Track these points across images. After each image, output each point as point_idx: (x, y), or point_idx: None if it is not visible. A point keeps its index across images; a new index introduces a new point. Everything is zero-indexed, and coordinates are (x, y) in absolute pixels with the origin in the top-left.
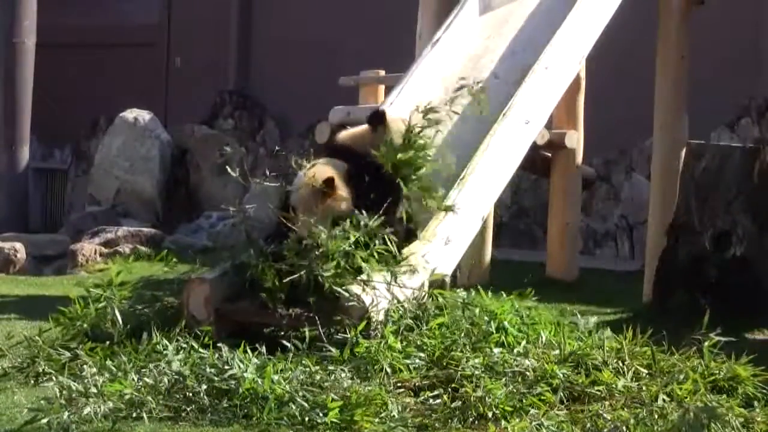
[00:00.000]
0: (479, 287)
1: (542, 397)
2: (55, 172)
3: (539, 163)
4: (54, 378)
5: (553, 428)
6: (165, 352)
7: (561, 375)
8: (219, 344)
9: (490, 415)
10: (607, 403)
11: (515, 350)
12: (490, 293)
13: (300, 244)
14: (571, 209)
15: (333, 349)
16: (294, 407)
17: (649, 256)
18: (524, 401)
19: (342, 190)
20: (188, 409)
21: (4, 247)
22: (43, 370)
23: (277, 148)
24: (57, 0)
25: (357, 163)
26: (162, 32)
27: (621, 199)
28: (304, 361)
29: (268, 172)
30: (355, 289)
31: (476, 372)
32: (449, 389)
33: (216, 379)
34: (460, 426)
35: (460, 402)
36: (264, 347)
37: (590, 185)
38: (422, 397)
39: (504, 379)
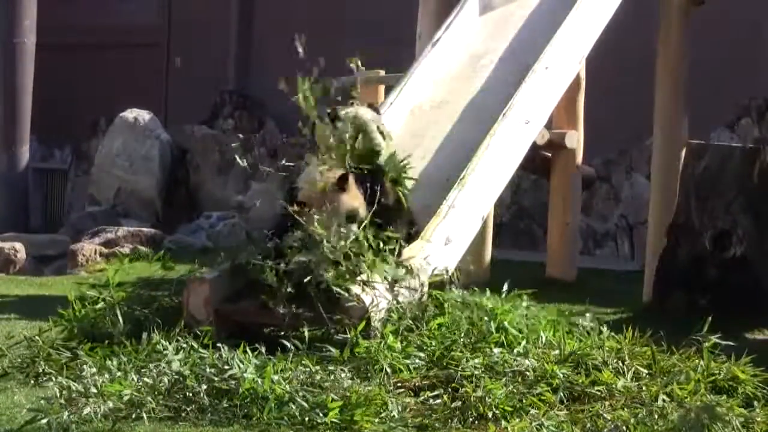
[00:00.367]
0: (479, 287)
1: (542, 397)
2: (55, 172)
3: (539, 163)
4: (54, 378)
5: (553, 428)
6: (165, 352)
7: (561, 375)
8: (219, 344)
9: (490, 415)
10: (607, 403)
11: (515, 350)
12: (490, 293)
13: (305, 239)
14: (571, 209)
15: (333, 349)
16: (294, 407)
17: (649, 256)
18: (524, 401)
19: (354, 189)
20: (188, 409)
21: (4, 247)
22: (43, 370)
23: (284, 139)
24: (57, 0)
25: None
26: (162, 32)
27: (621, 199)
28: (304, 361)
29: (278, 162)
30: (355, 289)
31: (476, 372)
32: (449, 389)
33: (216, 379)
34: (460, 426)
35: (460, 402)
36: (264, 347)
37: (590, 185)
38: (422, 397)
39: (504, 379)
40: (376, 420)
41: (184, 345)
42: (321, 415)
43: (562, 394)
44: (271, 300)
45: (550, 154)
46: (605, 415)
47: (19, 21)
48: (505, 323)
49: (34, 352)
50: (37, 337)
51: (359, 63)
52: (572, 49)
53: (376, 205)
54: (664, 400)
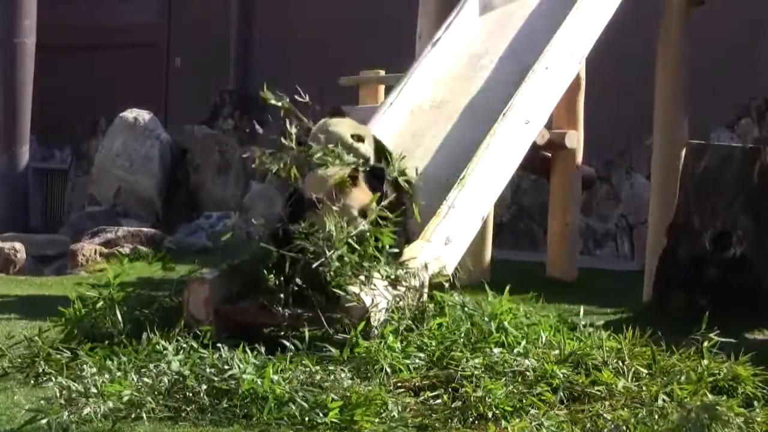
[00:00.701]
0: (479, 287)
1: (542, 397)
2: (55, 172)
3: (539, 163)
4: (54, 378)
5: (553, 428)
6: (165, 352)
7: (561, 375)
8: (219, 344)
9: (490, 415)
10: (607, 403)
11: (515, 350)
12: (490, 293)
13: (310, 231)
14: (571, 209)
15: (333, 349)
16: (294, 407)
17: (649, 256)
18: (524, 401)
19: (364, 184)
20: (188, 409)
21: (4, 247)
22: (43, 370)
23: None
24: (57, 0)
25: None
26: (162, 32)
27: (621, 199)
28: (303, 361)
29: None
30: (355, 289)
31: (476, 372)
32: (449, 389)
33: (216, 379)
34: (460, 426)
35: (460, 402)
36: (264, 347)
37: (590, 185)
38: (422, 397)
39: (504, 379)
40: (376, 420)
41: (184, 345)
42: (321, 415)
43: (562, 394)
44: (272, 296)
45: (550, 154)
46: (605, 415)
47: (19, 21)
48: (505, 323)
49: (34, 352)
50: (37, 337)
51: (270, 95)
52: (572, 49)
53: (380, 204)
54: (664, 400)
